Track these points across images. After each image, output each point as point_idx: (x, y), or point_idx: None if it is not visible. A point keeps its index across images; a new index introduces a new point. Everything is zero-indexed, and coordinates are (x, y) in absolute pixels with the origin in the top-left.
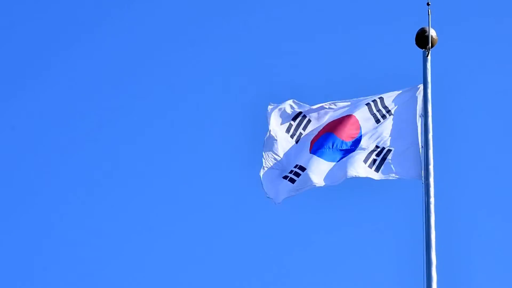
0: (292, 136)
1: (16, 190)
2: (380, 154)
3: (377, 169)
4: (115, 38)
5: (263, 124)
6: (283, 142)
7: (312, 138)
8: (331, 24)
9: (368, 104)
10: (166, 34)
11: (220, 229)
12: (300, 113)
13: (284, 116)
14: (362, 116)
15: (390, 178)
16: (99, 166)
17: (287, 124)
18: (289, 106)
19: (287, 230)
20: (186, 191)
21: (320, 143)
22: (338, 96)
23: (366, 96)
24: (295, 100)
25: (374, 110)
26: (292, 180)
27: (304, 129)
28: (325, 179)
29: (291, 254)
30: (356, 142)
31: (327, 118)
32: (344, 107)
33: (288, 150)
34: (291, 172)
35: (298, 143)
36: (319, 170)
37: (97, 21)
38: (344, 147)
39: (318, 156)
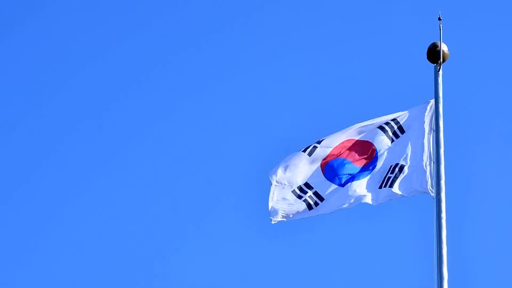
0: (304, 150)
1: (16, 190)
2: (394, 171)
3: (391, 186)
4: (116, 39)
5: (268, 126)
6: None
7: (323, 158)
8: (342, 39)
9: (381, 127)
10: (170, 37)
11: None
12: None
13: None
14: (377, 138)
15: (403, 195)
16: (100, 167)
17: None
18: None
19: (296, 246)
20: (187, 193)
21: (334, 168)
22: (347, 110)
23: (378, 111)
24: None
25: (388, 131)
26: (309, 206)
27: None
28: (341, 203)
29: (301, 270)
30: (372, 164)
31: (339, 139)
32: (356, 130)
33: (300, 163)
34: (304, 192)
35: (311, 156)
36: (336, 197)
37: (100, 23)
38: (360, 171)
39: (334, 183)
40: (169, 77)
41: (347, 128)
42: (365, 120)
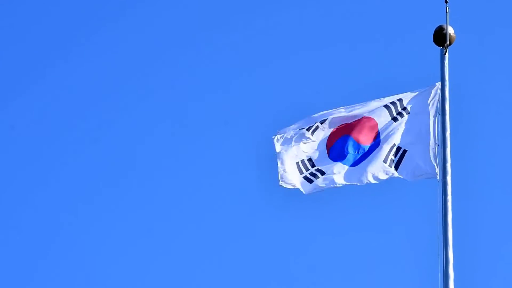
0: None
1: (16, 191)
2: (397, 154)
3: (395, 168)
4: (116, 39)
5: (268, 127)
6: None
7: (327, 142)
8: (348, 22)
9: (386, 106)
10: (170, 36)
11: (236, 234)
12: (310, 127)
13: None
14: (380, 117)
15: (407, 178)
16: (99, 167)
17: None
18: (292, 131)
19: (301, 230)
20: (187, 193)
21: (339, 148)
22: (355, 95)
23: (384, 95)
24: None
25: (393, 110)
26: (310, 180)
27: (313, 134)
28: (346, 179)
29: (306, 255)
30: (375, 144)
31: (341, 121)
32: (359, 108)
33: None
34: (307, 170)
35: (313, 135)
36: (339, 172)
37: (99, 22)
38: (363, 151)
39: (338, 161)
40: (169, 78)
41: (350, 107)
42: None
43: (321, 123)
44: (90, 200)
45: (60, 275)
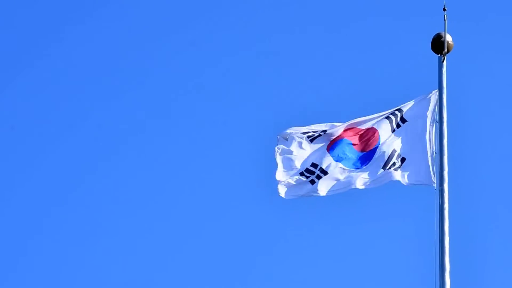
0: (307, 137)
1: (16, 190)
2: (398, 159)
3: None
4: (118, 39)
5: (274, 122)
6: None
7: (329, 142)
8: (347, 29)
9: (387, 117)
10: (171, 35)
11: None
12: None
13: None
14: (381, 126)
15: (405, 183)
16: (99, 165)
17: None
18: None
19: (300, 234)
20: (181, 189)
21: (338, 149)
22: (353, 102)
23: (382, 101)
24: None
25: (393, 120)
26: (312, 182)
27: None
28: (344, 185)
29: (304, 258)
30: (374, 151)
31: (341, 128)
32: (360, 120)
33: (304, 152)
34: (310, 172)
35: (313, 142)
36: (338, 177)
37: (92, 19)
38: (363, 156)
39: (337, 161)
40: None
41: (352, 120)
42: (370, 113)
43: (323, 132)
44: (91, 200)
45: (60, 276)
